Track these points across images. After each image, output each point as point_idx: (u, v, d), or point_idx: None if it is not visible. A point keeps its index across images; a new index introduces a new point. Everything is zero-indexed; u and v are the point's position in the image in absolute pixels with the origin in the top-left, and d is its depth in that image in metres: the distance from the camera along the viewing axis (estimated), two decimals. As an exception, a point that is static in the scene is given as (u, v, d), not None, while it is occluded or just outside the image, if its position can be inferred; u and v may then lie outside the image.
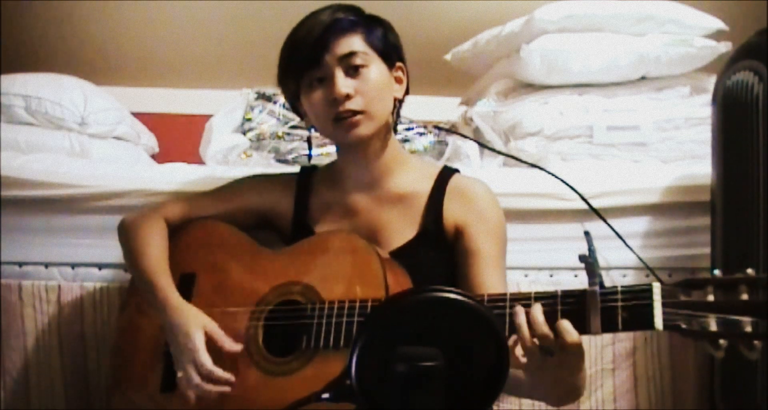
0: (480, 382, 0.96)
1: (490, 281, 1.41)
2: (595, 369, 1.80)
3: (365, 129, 1.41)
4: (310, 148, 1.57)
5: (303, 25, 1.42)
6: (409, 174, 1.51)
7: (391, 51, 1.46)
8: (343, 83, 1.38)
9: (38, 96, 2.39)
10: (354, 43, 1.40)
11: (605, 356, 1.81)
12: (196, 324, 1.38)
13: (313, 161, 2.03)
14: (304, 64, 1.40)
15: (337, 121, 1.40)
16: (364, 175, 1.49)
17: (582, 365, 1.17)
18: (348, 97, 1.38)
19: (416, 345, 0.94)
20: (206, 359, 1.35)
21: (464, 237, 1.45)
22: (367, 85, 1.40)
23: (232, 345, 1.38)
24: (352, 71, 1.40)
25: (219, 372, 1.34)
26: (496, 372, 0.96)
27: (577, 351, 1.12)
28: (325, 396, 1.01)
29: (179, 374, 1.37)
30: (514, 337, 1.14)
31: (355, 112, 1.39)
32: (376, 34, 1.44)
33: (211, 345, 1.37)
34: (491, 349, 0.96)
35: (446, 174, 1.52)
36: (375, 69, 1.42)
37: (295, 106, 1.52)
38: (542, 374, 1.16)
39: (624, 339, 1.81)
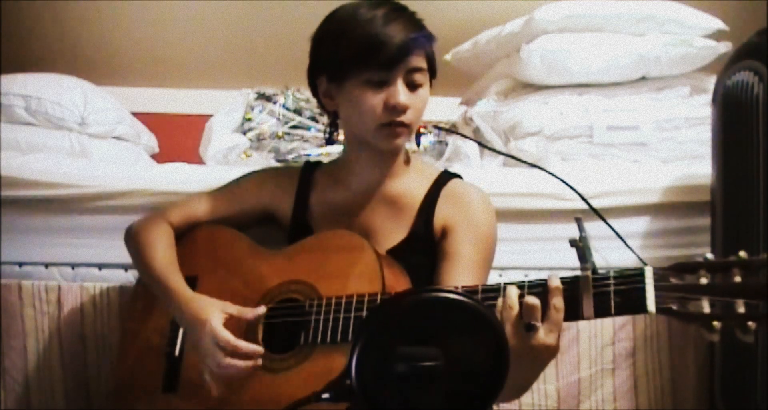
0: (480, 382, 0.96)
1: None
2: (595, 369, 1.80)
3: (403, 140, 1.43)
4: (334, 125, 1.53)
5: (382, 24, 1.37)
6: (409, 176, 1.51)
7: (435, 69, 1.46)
8: (407, 95, 1.39)
9: (38, 96, 2.39)
10: (422, 60, 1.41)
11: (605, 356, 1.81)
12: (210, 309, 1.38)
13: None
14: (374, 65, 1.37)
15: (384, 126, 1.40)
16: (372, 175, 1.49)
17: (550, 355, 1.17)
18: (406, 109, 1.39)
19: (416, 345, 0.94)
20: (228, 336, 1.34)
21: (448, 239, 1.44)
22: (419, 102, 1.41)
23: (253, 312, 1.38)
24: (411, 86, 1.40)
25: (244, 344, 1.34)
26: (496, 371, 0.96)
27: (559, 326, 1.13)
28: (325, 396, 1.01)
29: (205, 361, 1.36)
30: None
31: (404, 125, 1.40)
32: (432, 53, 1.45)
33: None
34: (491, 349, 0.96)
35: (444, 178, 1.52)
36: (426, 88, 1.43)
37: (315, 86, 1.48)
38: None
39: (624, 339, 1.81)
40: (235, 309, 1.39)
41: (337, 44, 1.40)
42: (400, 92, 1.38)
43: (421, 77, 1.41)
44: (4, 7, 2.85)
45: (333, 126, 1.53)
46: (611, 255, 1.78)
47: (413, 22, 1.41)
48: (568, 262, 1.80)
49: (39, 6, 2.91)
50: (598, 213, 1.77)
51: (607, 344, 1.81)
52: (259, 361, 1.34)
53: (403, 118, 1.39)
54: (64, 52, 2.96)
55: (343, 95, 1.42)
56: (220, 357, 1.33)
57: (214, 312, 1.37)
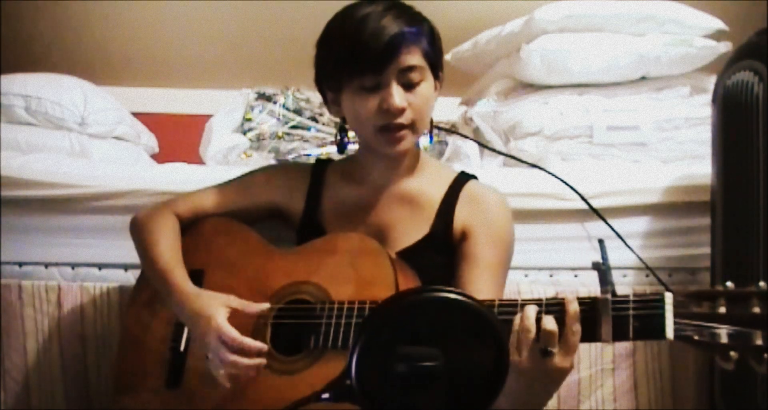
0: (480, 382, 0.96)
1: (482, 289, 1.38)
2: (595, 369, 1.80)
3: (408, 143, 1.41)
4: (343, 136, 1.52)
5: (363, 27, 1.34)
6: (425, 176, 1.50)
7: (439, 63, 1.44)
8: (401, 97, 1.36)
9: (38, 96, 2.39)
10: (415, 57, 1.37)
11: (605, 356, 1.81)
12: (215, 304, 1.36)
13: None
14: (361, 71, 1.35)
15: (383, 130, 1.38)
16: (386, 175, 1.49)
17: (564, 376, 1.16)
18: (402, 110, 1.37)
19: (416, 345, 0.94)
20: (234, 333, 1.31)
21: (467, 242, 1.44)
22: (419, 100, 1.38)
23: (257, 307, 1.36)
24: (408, 85, 1.37)
25: (249, 341, 1.31)
26: (496, 372, 0.96)
27: (575, 349, 1.13)
28: (325, 396, 1.01)
29: (209, 356, 1.34)
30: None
31: (404, 126, 1.38)
32: (432, 47, 1.41)
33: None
34: (491, 349, 0.96)
35: (462, 179, 1.51)
36: (427, 84, 1.40)
37: (324, 93, 1.48)
38: (522, 379, 1.14)
39: (624, 339, 1.81)
40: (238, 302, 1.36)
41: (327, 55, 1.41)
42: (393, 94, 1.35)
43: (417, 75, 1.38)
44: (4, 7, 2.85)
45: (342, 131, 1.51)
46: (611, 255, 1.76)
47: (402, 19, 1.37)
48: (568, 262, 1.82)
49: (39, 6, 2.91)
50: (598, 214, 1.77)
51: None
52: (264, 360, 1.32)
53: (402, 119, 1.37)
54: (64, 52, 2.96)
55: (343, 103, 1.42)
56: (225, 354, 1.31)
57: (218, 308, 1.35)
